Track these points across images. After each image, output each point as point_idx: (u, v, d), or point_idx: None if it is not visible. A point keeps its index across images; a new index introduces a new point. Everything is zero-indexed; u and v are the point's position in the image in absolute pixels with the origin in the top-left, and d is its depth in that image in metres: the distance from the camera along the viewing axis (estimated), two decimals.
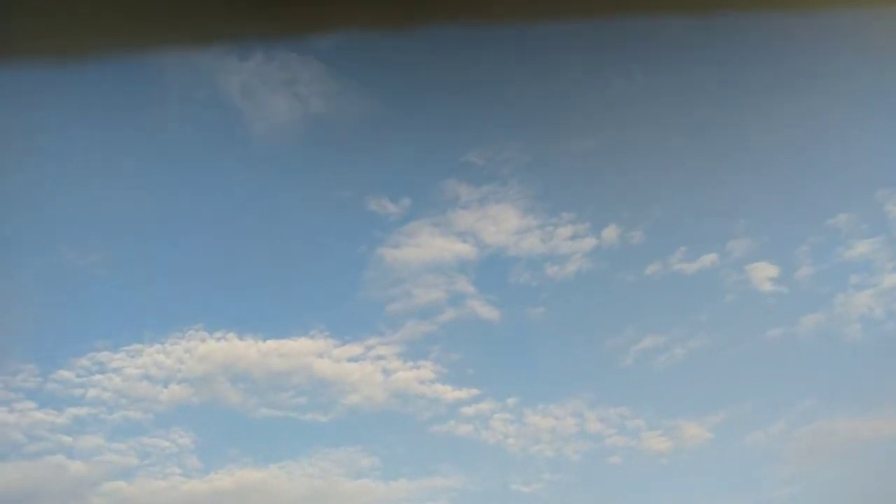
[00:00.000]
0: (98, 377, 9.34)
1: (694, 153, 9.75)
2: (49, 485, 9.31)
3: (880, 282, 9.23)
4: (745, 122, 9.45)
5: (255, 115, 9.28)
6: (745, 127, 9.52)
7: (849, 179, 9.58)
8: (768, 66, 8.89)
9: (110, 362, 9.40)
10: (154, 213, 9.69)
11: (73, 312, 9.87)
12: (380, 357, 9.68)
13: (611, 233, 9.65)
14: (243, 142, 9.23)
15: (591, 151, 9.87)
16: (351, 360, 9.68)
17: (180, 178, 9.57)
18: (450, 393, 9.62)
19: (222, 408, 9.67)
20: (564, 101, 9.43)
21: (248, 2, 1.65)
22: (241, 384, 9.64)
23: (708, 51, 8.85)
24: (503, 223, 9.63)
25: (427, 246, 9.66)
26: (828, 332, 9.43)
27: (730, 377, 9.78)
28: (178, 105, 8.23)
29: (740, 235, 9.68)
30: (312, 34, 1.79)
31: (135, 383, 9.41)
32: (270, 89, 9.02)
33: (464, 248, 9.67)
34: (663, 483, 9.54)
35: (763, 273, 9.43)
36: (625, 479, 9.52)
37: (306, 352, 9.66)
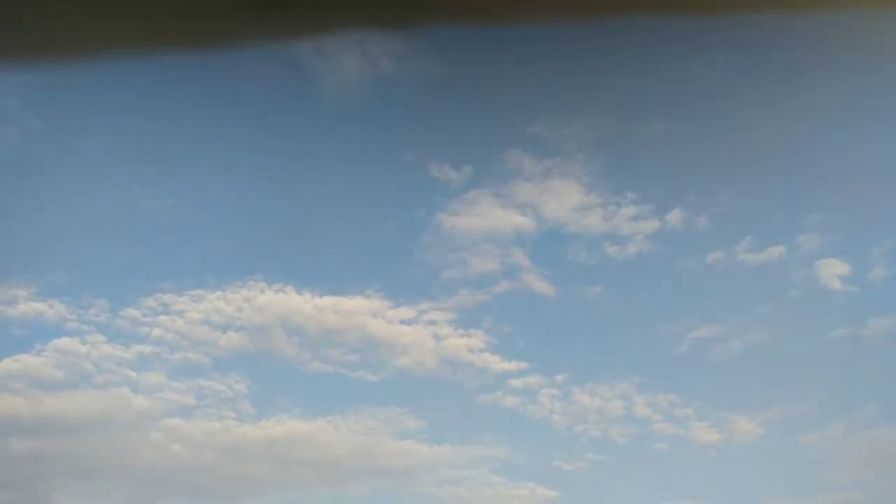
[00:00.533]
0: (162, 318, 9.76)
1: (768, 143, 9.40)
2: (114, 415, 9.83)
3: None
4: (825, 115, 9.05)
5: (325, 71, 9.39)
6: (825, 120, 9.11)
7: None
8: (842, 65, 8.46)
9: (174, 304, 9.80)
10: (224, 165, 9.97)
11: (142, 253, 10.32)
12: (432, 322, 9.78)
13: (675, 216, 9.43)
14: (313, 98, 9.37)
15: (660, 134, 9.63)
16: (404, 322, 9.82)
17: (251, 132, 9.80)
18: (499, 364, 9.66)
19: (276, 358, 9.98)
20: (638, 81, 9.22)
21: (249, 2, 1.67)
22: (295, 337, 9.91)
23: (786, 46, 8.49)
24: (565, 198, 9.53)
25: (486, 215, 9.66)
26: None
27: (787, 375, 9.49)
28: (251, 59, 8.40)
29: (812, 230, 9.33)
30: (314, 34, 1.81)
31: (196, 327, 9.79)
32: (341, 46, 9.10)
33: (523, 221, 9.63)
34: (709, 475, 9.38)
35: (833, 270, 9.07)
36: (670, 467, 9.40)
37: (361, 310, 9.84)
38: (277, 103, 9.26)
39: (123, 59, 1.82)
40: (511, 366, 9.64)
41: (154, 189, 9.86)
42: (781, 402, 9.41)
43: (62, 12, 1.70)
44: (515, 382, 9.63)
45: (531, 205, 9.57)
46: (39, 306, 9.52)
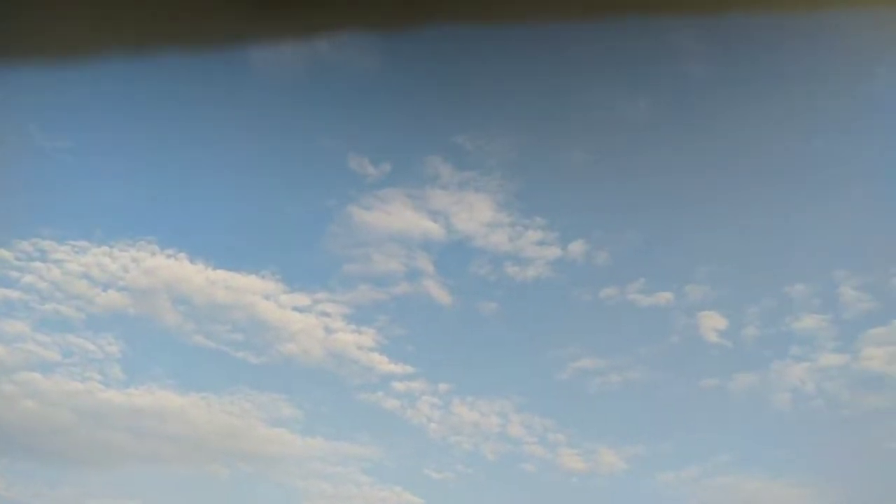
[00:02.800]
0: (37, 264, 9.15)
1: (678, 191, 9.85)
2: None
3: (818, 358, 9.45)
4: (732, 173, 9.58)
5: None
6: (730, 177, 9.64)
7: (813, 251, 9.78)
8: (767, 108, 9.01)
9: (53, 252, 9.21)
10: (135, 116, 9.46)
11: (26, 193, 9.63)
12: (325, 313, 9.64)
13: (577, 248, 9.72)
14: (241, 70, 9.04)
15: (578, 163, 9.91)
16: (296, 308, 9.63)
17: (168, 89, 9.35)
18: (385, 365, 9.63)
19: (157, 326, 9.56)
20: (565, 109, 9.44)
21: (248, 2, 1.65)
22: (181, 306, 9.52)
23: (716, 88, 8.95)
24: (476, 212, 9.63)
25: (397, 215, 9.63)
26: (758, 394, 9.65)
27: (656, 414, 9.96)
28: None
29: (700, 281, 9.83)
30: (313, 34, 1.78)
31: (74, 279, 9.24)
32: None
33: (432, 227, 9.66)
34: (570, 502, 9.71)
35: (712, 323, 9.59)
36: (534, 489, 9.65)
37: (254, 290, 9.57)
38: (203, 70, 8.88)
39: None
40: (397, 368, 9.65)
41: (52, 128, 9.24)
42: (647, 440, 9.86)
43: (62, 12, 1.66)
44: (398, 385, 9.64)
45: (443, 213, 9.63)
46: None
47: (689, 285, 9.79)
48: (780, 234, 9.73)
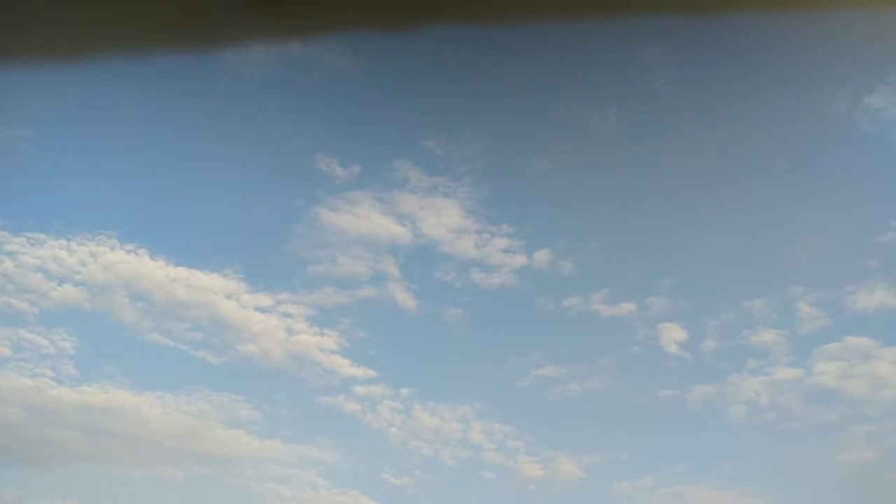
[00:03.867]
0: None
1: (644, 202, 10.00)
2: None
3: (773, 372, 9.67)
4: (697, 187, 9.77)
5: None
6: (694, 191, 9.83)
7: (772, 267, 10.02)
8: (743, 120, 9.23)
9: (7, 244, 8.94)
10: (97, 107, 9.25)
11: None
12: (287, 314, 9.53)
13: (543, 256, 9.79)
14: (212, 68, 8.93)
15: (547, 174, 10.00)
16: (258, 309, 9.49)
17: (136, 86, 9.17)
18: (347, 368, 9.55)
19: (113, 322, 9.33)
20: (536, 118, 9.53)
21: (248, 2, 1.65)
22: (139, 303, 9.31)
23: (690, 104, 9.13)
24: (444, 218, 9.64)
25: (364, 218, 9.58)
26: (714, 405, 9.82)
27: (615, 424, 10.06)
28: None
29: (661, 293, 9.99)
30: (313, 34, 1.78)
31: (28, 272, 8.97)
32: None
33: (400, 231, 9.63)
34: None
35: (672, 335, 9.74)
36: (492, 496, 9.65)
37: (215, 288, 9.41)
38: (171, 64, 8.72)
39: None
40: (359, 372, 9.58)
41: (10, 117, 8.98)
42: (604, 449, 9.95)
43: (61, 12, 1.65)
44: (360, 389, 9.57)
45: (410, 217, 9.61)
46: None
47: (651, 297, 9.94)
48: (741, 248, 9.95)
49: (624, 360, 9.98)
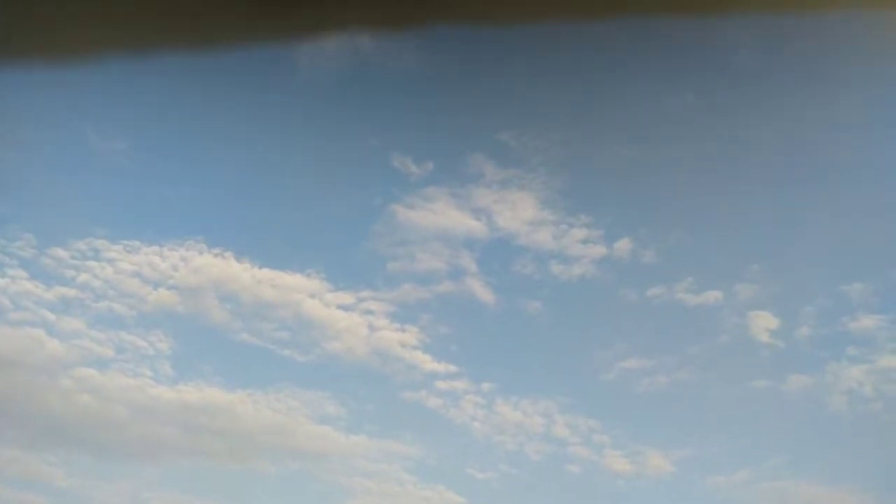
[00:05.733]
0: (92, 263, 9.42)
1: (728, 187, 9.61)
2: (24, 355, 9.44)
3: (877, 360, 9.09)
4: (784, 168, 9.30)
5: (305, 45, 9.20)
6: (781, 172, 9.37)
7: (871, 249, 9.42)
8: (823, 106, 8.72)
9: (106, 251, 9.47)
10: (185, 121, 9.68)
11: (82, 194, 9.94)
12: (369, 311, 9.69)
13: (623, 246, 9.56)
14: (287, 69, 9.18)
15: (624, 161, 9.75)
16: (341, 307, 9.70)
17: (219, 93, 9.54)
18: (428, 363, 9.63)
19: (205, 323, 9.74)
20: (610, 104, 9.30)
21: (248, 2, 1.64)
22: (228, 304, 9.69)
23: (766, 86, 8.71)
24: (520, 210, 9.56)
25: (440, 214, 9.62)
26: (813, 396, 9.33)
27: (705, 416, 9.72)
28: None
29: (750, 280, 9.57)
30: (313, 34, 1.77)
31: (126, 278, 9.48)
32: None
33: (475, 226, 9.62)
34: None
35: (763, 323, 9.31)
36: (578, 491, 9.52)
37: (299, 288, 9.68)
38: (248, 68, 9.03)
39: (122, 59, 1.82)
40: (440, 367, 9.64)
41: (107, 131, 9.52)
42: (695, 442, 9.64)
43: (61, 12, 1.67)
44: (442, 384, 9.63)
45: (486, 211, 9.58)
46: None
47: (739, 284, 9.54)
48: (836, 230, 9.41)
49: (712, 350, 9.63)
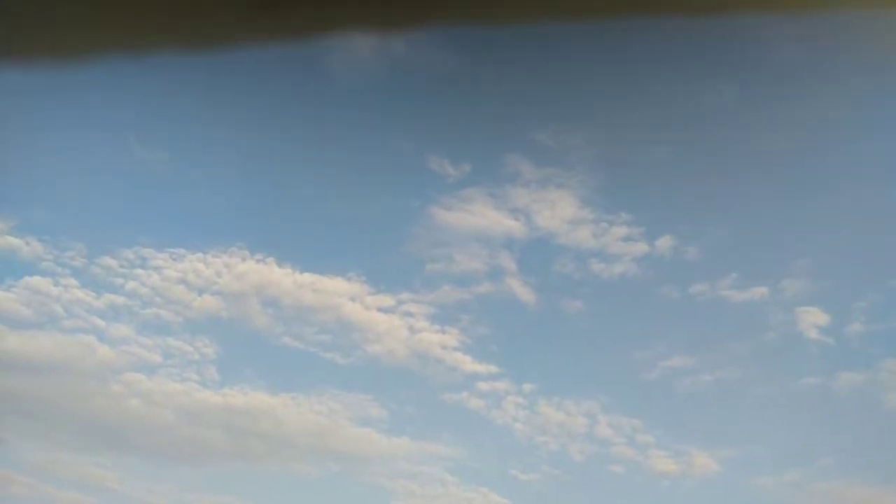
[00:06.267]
0: (139, 271, 9.65)
1: (771, 178, 9.39)
2: (76, 361, 9.72)
3: None
4: (830, 161, 9.05)
5: (337, 47, 9.28)
6: (827, 165, 9.11)
7: None
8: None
9: (153, 259, 9.69)
10: (223, 130, 9.84)
11: (127, 203, 10.19)
12: (409, 313, 9.72)
13: (665, 243, 9.41)
14: (321, 76, 9.26)
15: (663, 158, 9.60)
16: (381, 310, 9.75)
17: (256, 100, 9.68)
18: (469, 364, 9.62)
19: (248, 328, 9.90)
20: (647, 100, 9.17)
21: (248, 2, 1.64)
22: (270, 309, 9.82)
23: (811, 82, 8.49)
24: (559, 209, 9.48)
25: (478, 215, 9.60)
26: (866, 394, 9.05)
27: (753, 415, 9.51)
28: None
29: (797, 275, 9.33)
30: (313, 35, 1.77)
31: (171, 285, 9.69)
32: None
33: (514, 226, 9.58)
34: None
35: (812, 319, 9.07)
36: (623, 492, 9.40)
37: (340, 292, 9.76)
38: (285, 77, 9.14)
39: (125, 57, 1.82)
40: (481, 368, 9.61)
41: (149, 139, 9.73)
42: (742, 442, 9.44)
43: (62, 12, 1.69)
44: (483, 385, 9.60)
45: (524, 211, 9.53)
46: (16, 241, 9.39)
47: (785, 279, 9.31)
48: (885, 224, 9.10)
49: (758, 347, 9.42)
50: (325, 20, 1.72)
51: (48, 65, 1.81)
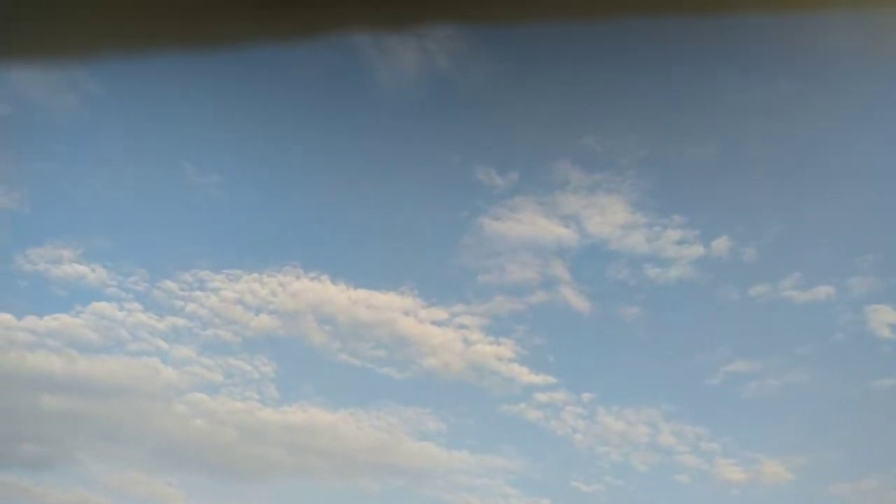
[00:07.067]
0: (198, 293, 9.88)
1: (829, 175, 9.05)
2: (142, 383, 9.98)
3: None
4: (892, 153, 8.67)
5: (382, 64, 9.37)
6: (893, 157, 8.73)
7: None
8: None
9: (210, 281, 9.91)
10: (274, 150, 10.03)
11: (184, 227, 10.46)
12: (463, 326, 9.68)
13: (721, 244, 9.15)
14: (368, 91, 9.36)
15: (714, 158, 9.36)
16: (435, 323, 9.74)
17: (304, 120, 9.84)
18: (526, 376, 9.51)
19: (305, 346, 10.00)
20: (696, 99, 8.97)
21: (249, 2, 1.65)
22: (326, 326, 9.91)
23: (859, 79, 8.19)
24: (610, 215, 9.33)
25: (529, 223, 9.52)
26: None
27: (824, 420, 9.12)
28: (306, 50, 8.40)
29: (865, 273, 8.94)
30: (314, 35, 1.77)
31: (229, 306, 9.88)
32: (401, 40, 9.07)
33: (565, 233, 9.46)
34: None
35: (883, 317, 8.67)
36: (689, 501, 9.12)
37: (393, 307, 9.80)
38: (332, 94, 9.27)
39: (138, 57, 1.83)
40: (538, 379, 9.49)
41: (203, 164, 9.99)
42: (815, 448, 9.06)
43: (63, 12, 1.71)
44: (541, 396, 9.47)
45: (575, 217, 9.41)
46: (82, 269, 9.74)
47: (852, 277, 8.94)
48: None
49: (826, 349, 9.04)
50: (325, 20, 1.72)
51: (48, 65, 1.83)
